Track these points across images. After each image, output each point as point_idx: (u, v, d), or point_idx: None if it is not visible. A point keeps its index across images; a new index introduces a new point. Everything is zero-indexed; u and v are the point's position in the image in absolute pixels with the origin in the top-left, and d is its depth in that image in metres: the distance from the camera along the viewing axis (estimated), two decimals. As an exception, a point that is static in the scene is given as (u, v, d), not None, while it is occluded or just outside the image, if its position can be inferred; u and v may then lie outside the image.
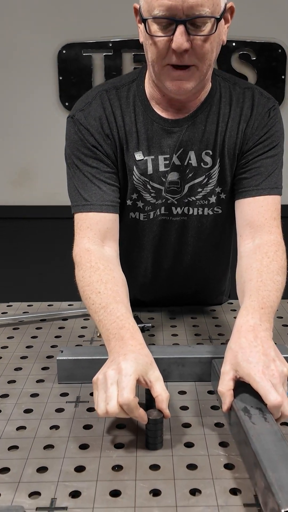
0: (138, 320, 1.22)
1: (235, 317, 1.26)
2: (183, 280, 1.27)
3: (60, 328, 1.21)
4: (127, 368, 0.78)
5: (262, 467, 0.66)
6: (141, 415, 0.78)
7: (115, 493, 0.69)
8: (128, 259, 1.23)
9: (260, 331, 0.85)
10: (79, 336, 1.16)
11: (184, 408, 0.89)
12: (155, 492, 0.69)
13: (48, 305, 1.35)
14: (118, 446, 0.79)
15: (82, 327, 1.21)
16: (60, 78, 2.40)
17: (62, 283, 1.54)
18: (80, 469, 0.74)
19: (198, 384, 0.96)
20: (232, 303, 1.37)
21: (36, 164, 2.49)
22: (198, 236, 1.19)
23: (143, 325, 1.18)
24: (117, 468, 0.74)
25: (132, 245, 1.22)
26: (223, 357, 0.90)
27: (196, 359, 0.96)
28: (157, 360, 0.93)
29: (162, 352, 0.97)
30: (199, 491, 0.69)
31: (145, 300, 1.33)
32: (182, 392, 0.94)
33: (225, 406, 0.81)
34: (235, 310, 1.31)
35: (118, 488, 0.70)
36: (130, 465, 0.75)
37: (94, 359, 0.94)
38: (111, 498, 0.69)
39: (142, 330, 1.19)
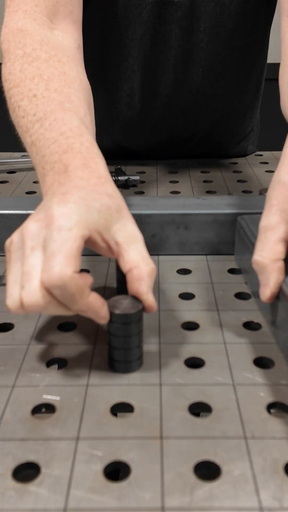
0: (120, 172, 0.80)
1: (267, 171, 0.85)
2: (190, 114, 0.84)
3: None
4: (64, 216, 0.37)
5: None
6: (95, 307, 0.38)
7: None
8: (101, 73, 0.79)
9: None
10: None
11: (187, 297, 0.50)
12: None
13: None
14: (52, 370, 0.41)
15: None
16: None
17: None
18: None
19: (211, 260, 0.57)
20: (262, 155, 0.95)
21: None
22: (215, 32, 0.74)
23: (126, 177, 0.77)
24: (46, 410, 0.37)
25: (108, 48, 0.77)
26: (255, 213, 0.50)
27: (209, 217, 0.55)
28: (141, 218, 0.53)
29: (151, 206, 0.57)
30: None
31: (132, 148, 0.90)
32: (184, 272, 0.55)
33: (267, 291, 0.41)
34: (267, 163, 0.89)
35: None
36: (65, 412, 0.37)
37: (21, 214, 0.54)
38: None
39: (126, 184, 0.77)
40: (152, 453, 0.33)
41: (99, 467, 0.32)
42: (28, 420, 0.36)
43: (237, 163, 0.89)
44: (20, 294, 0.37)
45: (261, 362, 0.41)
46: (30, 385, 0.39)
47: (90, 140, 0.47)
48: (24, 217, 0.42)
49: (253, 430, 0.34)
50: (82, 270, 0.37)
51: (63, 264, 0.35)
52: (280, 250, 0.41)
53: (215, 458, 0.33)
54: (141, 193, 0.76)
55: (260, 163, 0.89)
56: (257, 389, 0.38)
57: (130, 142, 0.89)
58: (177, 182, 0.80)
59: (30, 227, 0.39)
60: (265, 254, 0.41)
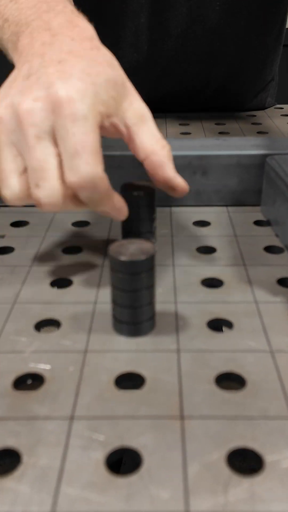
0: (125, 122, 0.71)
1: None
2: (205, 59, 0.74)
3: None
4: (74, 101, 0.30)
5: None
6: (119, 207, 0.35)
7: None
8: (103, 6, 0.69)
9: None
10: None
11: (207, 250, 0.42)
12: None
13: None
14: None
15: None
16: None
17: None
18: None
19: (233, 211, 0.48)
20: (282, 108, 0.85)
21: None
22: None
23: (132, 126, 0.68)
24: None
25: None
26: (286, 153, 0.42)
27: (232, 159, 0.47)
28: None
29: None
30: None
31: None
32: (202, 224, 0.46)
33: None
34: (287, 116, 0.80)
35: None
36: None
37: None
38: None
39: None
40: (171, 437, 0.25)
41: (100, 456, 0.24)
42: (8, 394, 0.28)
43: (255, 116, 0.80)
44: (34, 190, 0.31)
45: (303, 325, 0.33)
46: (14, 351, 0.31)
47: (73, 7, 0.38)
48: None
49: (301, 408, 0.26)
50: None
51: (93, 163, 0.30)
52: None
53: (254, 445, 0.25)
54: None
55: (282, 115, 0.80)
56: (302, 357, 0.30)
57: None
58: (189, 133, 0.71)
59: (29, 106, 0.31)
60: None
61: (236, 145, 0.48)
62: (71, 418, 0.26)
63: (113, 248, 0.31)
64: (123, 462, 0.26)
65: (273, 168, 0.43)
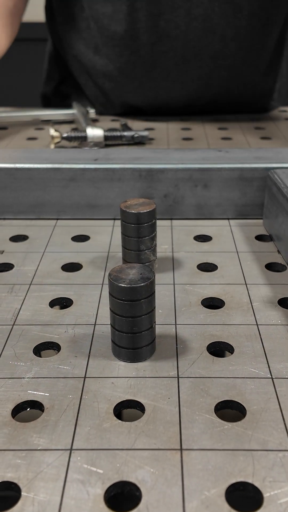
0: (126, 128, 0.71)
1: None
2: (201, 60, 0.74)
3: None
4: None
5: None
6: None
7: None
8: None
9: None
10: None
11: (208, 268, 0.41)
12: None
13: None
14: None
15: None
16: None
17: None
18: None
19: (235, 225, 0.48)
20: (286, 111, 0.85)
21: None
22: None
23: (133, 132, 0.67)
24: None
25: None
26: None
27: (234, 173, 0.46)
28: (152, 174, 0.44)
29: (164, 159, 0.47)
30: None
31: (137, 104, 0.80)
32: (203, 239, 0.46)
33: None
34: (291, 120, 0.79)
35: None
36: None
37: None
38: None
39: (132, 141, 0.68)
40: (170, 471, 0.25)
41: (99, 490, 0.24)
42: (6, 424, 0.27)
43: (259, 119, 0.79)
44: None
45: (305, 349, 0.33)
46: (12, 376, 0.31)
47: None
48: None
49: (301, 441, 0.26)
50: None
51: None
52: None
53: (253, 479, 0.24)
54: (151, 151, 0.67)
55: (286, 119, 0.79)
56: (303, 385, 0.30)
57: (134, 99, 0.79)
58: (191, 139, 0.70)
59: None
60: None
61: (238, 158, 0.47)
62: (70, 450, 0.26)
63: (112, 273, 0.30)
64: (124, 495, 0.26)
65: (275, 183, 0.43)
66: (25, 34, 2.12)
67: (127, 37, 0.72)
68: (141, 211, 0.38)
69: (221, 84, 0.77)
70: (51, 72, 0.91)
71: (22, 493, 0.24)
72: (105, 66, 0.76)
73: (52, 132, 0.65)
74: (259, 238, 0.46)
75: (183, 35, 0.70)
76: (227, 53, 0.73)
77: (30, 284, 0.39)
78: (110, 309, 0.31)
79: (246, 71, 0.77)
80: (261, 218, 0.48)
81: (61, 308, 0.37)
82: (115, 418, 0.28)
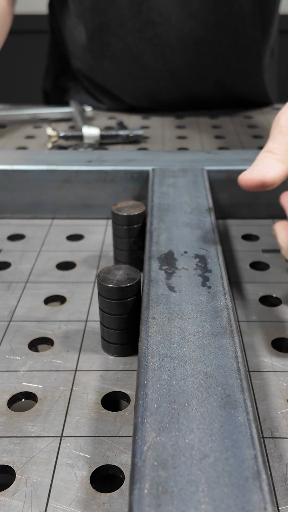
0: (122, 126, 0.73)
1: None
2: (193, 51, 0.75)
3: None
4: None
5: None
6: None
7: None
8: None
9: None
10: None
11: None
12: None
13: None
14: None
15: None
16: None
17: None
18: None
19: (223, 225, 0.50)
20: (279, 109, 0.86)
21: None
22: None
23: (128, 132, 0.69)
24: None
25: None
26: None
27: (222, 175, 0.48)
28: (143, 175, 0.46)
29: (155, 161, 0.50)
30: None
31: (131, 104, 0.82)
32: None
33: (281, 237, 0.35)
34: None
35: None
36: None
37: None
38: None
39: (128, 139, 0.70)
40: (150, 456, 0.27)
41: (86, 473, 0.26)
42: (3, 413, 0.30)
43: (252, 118, 0.81)
44: None
45: None
46: (8, 369, 0.33)
47: None
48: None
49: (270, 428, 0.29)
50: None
51: None
52: None
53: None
54: (145, 149, 0.69)
55: (277, 117, 0.81)
56: None
57: (128, 96, 0.81)
58: (185, 138, 0.72)
59: None
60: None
61: (226, 160, 0.49)
62: (61, 436, 0.28)
63: (100, 274, 0.33)
64: (110, 477, 0.29)
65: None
66: (28, 26, 2.12)
67: (113, 25, 0.73)
68: (131, 214, 0.40)
69: (210, 74, 0.78)
70: (49, 67, 0.93)
71: (16, 476, 0.26)
72: (96, 57, 0.78)
73: (49, 131, 0.67)
74: (246, 237, 0.48)
75: (166, 22, 0.72)
76: (211, 39, 0.74)
77: (26, 282, 0.42)
78: (99, 307, 0.33)
79: (233, 60, 0.78)
80: (248, 219, 0.50)
81: (55, 306, 0.39)
82: (102, 408, 0.30)
